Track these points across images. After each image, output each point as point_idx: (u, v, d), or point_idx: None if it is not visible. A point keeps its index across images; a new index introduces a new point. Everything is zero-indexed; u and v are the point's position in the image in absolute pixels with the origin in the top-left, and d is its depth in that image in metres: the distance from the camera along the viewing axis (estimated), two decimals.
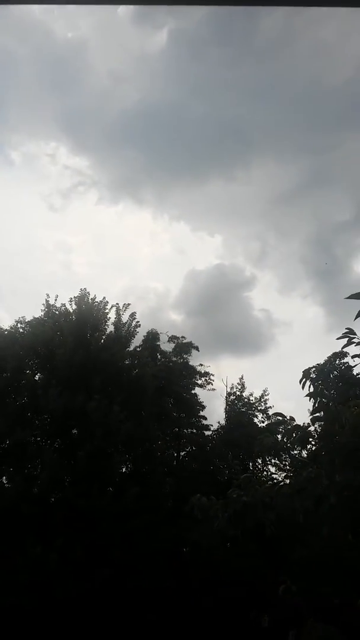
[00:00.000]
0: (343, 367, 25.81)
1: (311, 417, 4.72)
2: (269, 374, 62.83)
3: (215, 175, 73.92)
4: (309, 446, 5.31)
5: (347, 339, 4.48)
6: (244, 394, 33.86)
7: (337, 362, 26.50)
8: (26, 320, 26.95)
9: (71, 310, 26.86)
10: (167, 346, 33.33)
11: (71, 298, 27.06)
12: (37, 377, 25.79)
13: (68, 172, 76.05)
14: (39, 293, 70.67)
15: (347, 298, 3.22)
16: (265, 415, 31.83)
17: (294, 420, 4.84)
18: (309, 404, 5.20)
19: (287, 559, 21.84)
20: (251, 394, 33.83)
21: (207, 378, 33.36)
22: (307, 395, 4.76)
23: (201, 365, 33.63)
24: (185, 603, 24.45)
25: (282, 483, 5.36)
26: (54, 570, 20.59)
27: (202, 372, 33.36)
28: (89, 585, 21.16)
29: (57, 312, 26.88)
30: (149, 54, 70.94)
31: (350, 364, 25.29)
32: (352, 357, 4.94)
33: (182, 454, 31.79)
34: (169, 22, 67.76)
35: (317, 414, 4.77)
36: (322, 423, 4.95)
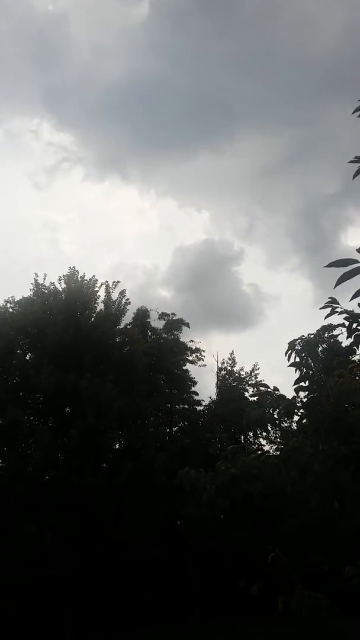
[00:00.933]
0: (332, 340, 25.99)
1: (295, 387, 4.73)
2: (258, 348, 63.28)
3: (201, 149, 73.16)
4: (296, 417, 5.32)
5: (330, 308, 4.45)
6: (234, 369, 34.12)
7: (325, 335, 26.67)
8: (15, 300, 26.81)
9: (60, 289, 26.73)
10: (157, 323, 33.41)
11: (60, 277, 26.93)
12: (28, 357, 25.76)
13: (52, 149, 74.87)
14: (26, 272, 70.27)
15: (325, 267, 3.20)
16: (255, 389, 32.04)
17: (278, 391, 4.86)
18: (297, 376, 5.21)
19: (277, 530, 22.24)
20: (242, 369, 34.11)
21: (198, 354, 33.55)
22: (290, 365, 4.77)
23: (192, 341, 33.79)
24: (179, 575, 24.89)
25: (268, 454, 5.39)
26: (49, 547, 20.80)
27: (193, 348, 33.51)
28: (84, 562, 21.43)
29: (46, 292, 26.76)
30: (131, 26, 69.46)
31: (338, 336, 25.49)
32: (336, 326, 4.93)
33: (174, 429, 32.04)
34: None
35: (301, 384, 4.79)
36: (307, 393, 4.97)
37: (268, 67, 74.45)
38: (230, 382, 33.51)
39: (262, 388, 4.66)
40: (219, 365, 34.51)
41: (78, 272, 27.04)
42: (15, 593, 20.82)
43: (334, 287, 3.24)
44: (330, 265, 3.28)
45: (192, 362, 33.42)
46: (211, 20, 71.31)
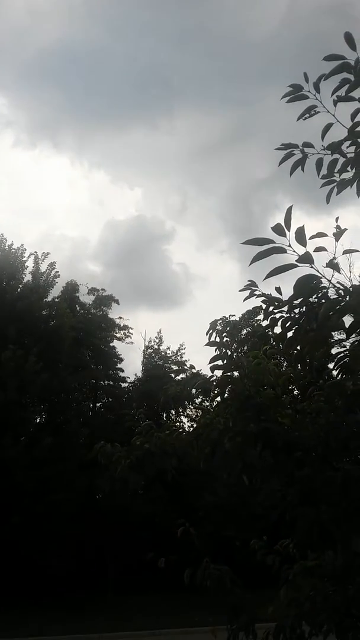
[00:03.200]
0: (255, 324, 26.59)
1: (210, 365, 4.80)
2: (185, 327, 63.70)
3: (137, 123, 72.02)
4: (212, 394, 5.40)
5: (249, 291, 4.53)
6: (161, 348, 34.30)
7: (252, 319, 27.26)
8: None
9: None
10: (86, 298, 33.05)
11: None
12: None
13: None
14: None
15: (242, 243, 3.26)
16: (177, 367, 32.40)
17: (194, 368, 4.93)
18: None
19: (194, 505, 22.82)
20: (168, 348, 34.32)
21: (125, 331, 33.49)
22: (207, 345, 4.84)
23: (120, 318, 33.68)
24: (96, 547, 25.13)
25: (182, 430, 5.48)
26: None
27: (121, 325, 33.43)
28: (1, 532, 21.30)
29: None
30: None
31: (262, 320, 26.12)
32: (259, 310, 5.04)
33: (98, 404, 32.01)
34: None
35: (217, 363, 4.86)
36: (223, 372, 5.06)
37: (209, 44, 74.10)
38: (157, 360, 33.67)
39: (179, 366, 4.74)
40: (146, 343, 34.63)
41: (5, 240, 26.32)
42: None
43: (249, 265, 3.32)
44: (247, 242, 3.32)
45: (119, 339, 33.37)
46: None
